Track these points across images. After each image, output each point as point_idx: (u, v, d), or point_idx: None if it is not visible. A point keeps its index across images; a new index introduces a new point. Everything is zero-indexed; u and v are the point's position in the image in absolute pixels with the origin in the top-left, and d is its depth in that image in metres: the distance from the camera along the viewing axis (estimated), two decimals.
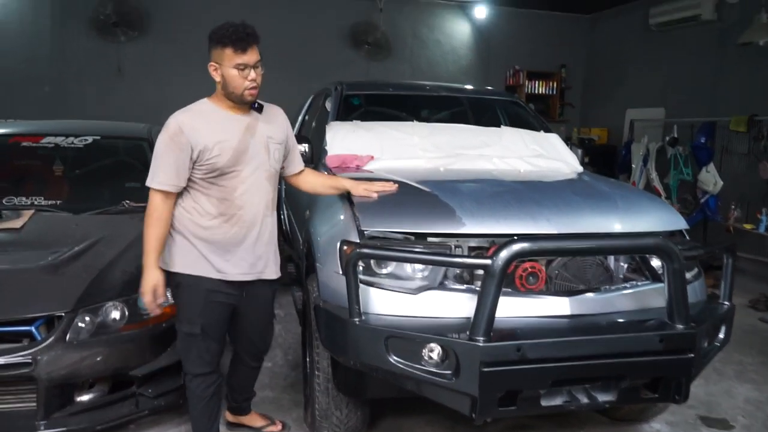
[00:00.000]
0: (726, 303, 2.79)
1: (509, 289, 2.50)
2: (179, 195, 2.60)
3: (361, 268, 2.47)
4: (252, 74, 2.48)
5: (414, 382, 2.40)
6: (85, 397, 2.86)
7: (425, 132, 3.79)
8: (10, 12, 7.26)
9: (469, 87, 5.09)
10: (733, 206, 6.23)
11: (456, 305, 2.48)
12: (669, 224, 2.89)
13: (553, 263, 2.61)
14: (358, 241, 2.59)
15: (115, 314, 2.91)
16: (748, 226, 5.99)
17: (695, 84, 7.20)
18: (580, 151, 4.13)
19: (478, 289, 2.50)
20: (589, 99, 9.30)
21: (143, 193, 4.07)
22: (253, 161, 2.60)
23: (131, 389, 2.95)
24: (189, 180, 2.56)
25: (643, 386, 2.55)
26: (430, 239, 2.59)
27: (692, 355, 2.42)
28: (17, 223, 3.36)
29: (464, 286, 2.55)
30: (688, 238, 2.96)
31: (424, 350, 2.34)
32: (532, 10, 8.75)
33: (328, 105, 4.44)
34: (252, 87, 2.50)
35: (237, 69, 2.45)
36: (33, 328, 2.72)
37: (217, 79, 2.52)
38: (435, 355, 2.33)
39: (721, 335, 2.75)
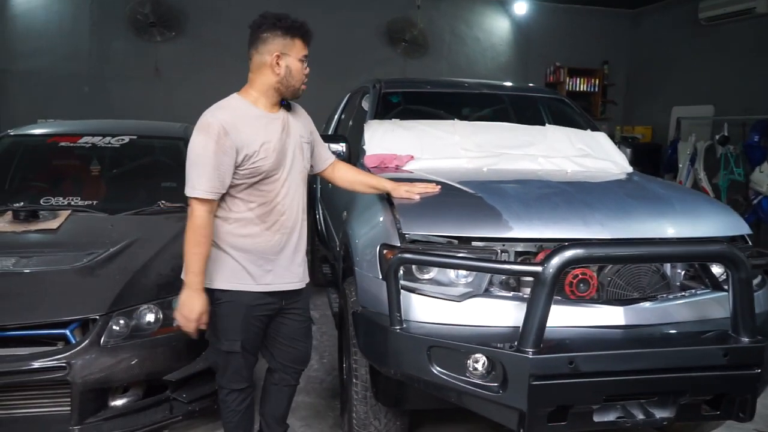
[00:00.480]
0: None
1: (559, 297, 2.35)
2: (219, 210, 2.40)
3: (401, 273, 2.35)
4: (308, 69, 2.44)
5: (457, 393, 2.28)
6: (119, 402, 2.80)
7: (467, 131, 3.65)
8: (50, 12, 7.36)
9: (511, 84, 4.93)
10: None
11: (502, 313, 2.35)
12: (730, 229, 2.70)
13: (605, 269, 2.45)
14: (399, 245, 2.48)
15: (150, 317, 2.86)
16: None
17: (747, 80, 6.89)
18: (629, 151, 3.94)
19: (526, 296, 2.38)
20: (632, 96, 9.02)
21: (179, 193, 4.05)
22: (291, 163, 2.46)
23: (165, 394, 2.89)
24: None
25: (704, 402, 2.38)
26: (474, 243, 2.46)
27: (759, 370, 2.25)
28: (54, 224, 3.34)
29: (511, 293, 2.42)
30: (750, 243, 2.77)
31: (468, 361, 2.21)
32: (573, 6, 8.51)
33: (365, 103, 4.33)
34: (306, 81, 2.44)
35: (301, 61, 2.38)
36: (68, 332, 2.67)
37: (278, 71, 2.35)
38: (480, 367, 2.21)
39: None
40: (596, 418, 2.26)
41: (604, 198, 2.73)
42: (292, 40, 2.35)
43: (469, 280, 2.43)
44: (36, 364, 2.58)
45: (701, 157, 7.01)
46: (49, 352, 2.62)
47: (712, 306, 2.49)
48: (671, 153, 7.49)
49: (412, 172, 3.27)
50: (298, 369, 2.77)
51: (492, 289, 2.43)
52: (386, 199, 2.77)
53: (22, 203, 3.61)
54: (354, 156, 3.55)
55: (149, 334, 2.82)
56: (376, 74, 5.43)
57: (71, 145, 4.13)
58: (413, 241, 2.49)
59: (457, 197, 2.72)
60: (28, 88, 7.42)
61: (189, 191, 2.29)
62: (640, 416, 2.30)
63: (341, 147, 3.46)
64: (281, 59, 2.34)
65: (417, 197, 2.68)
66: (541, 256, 2.44)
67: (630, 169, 3.66)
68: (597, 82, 8.81)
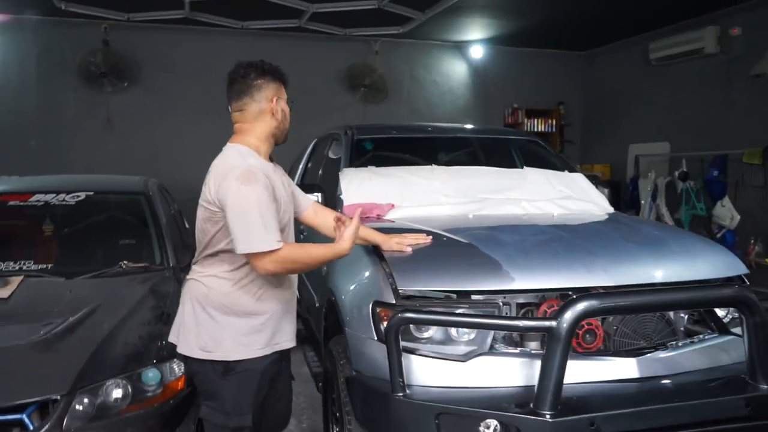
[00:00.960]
0: None
1: None
2: (222, 269, 2.23)
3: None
4: None
5: None
6: None
7: (446, 176, 3.54)
8: None
9: (485, 127, 4.89)
10: (752, 241, 6.03)
11: (511, 372, 2.19)
12: (729, 269, 2.63)
13: (610, 318, 2.33)
14: (393, 302, 2.31)
15: (118, 393, 2.56)
16: None
17: (701, 117, 7.07)
18: (606, 191, 3.89)
19: (534, 351, 2.24)
20: (589, 135, 9.17)
21: (141, 253, 3.87)
22: (290, 213, 2.38)
23: None
24: None
25: None
26: (474, 297, 2.31)
27: None
28: (4, 292, 3.03)
29: (518, 350, 2.27)
30: (748, 283, 2.70)
31: (480, 427, 2.03)
32: (527, 49, 8.66)
33: (334, 151, 4.20)
34: None
35: (288, 105, 2.38)
36: (24, 416, 2.36)
37: (278, 116, 2.31)
38: None
39: None
40: None
41: (603, 242, 2.63)
42: (280, 84, 2.35)
43: (471, 337, 2.28)
44: None
45: (662, 193, 7.10)
46: None
47: (722, 351, 2.40)
48: (632, 190, 7.58)
49: (393, 222, 3.13)
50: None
51: (497, 345, 2.27)
52: (373, 251, 2.61)
53: None
54: (330, 206, 3.37)
55: (118, 412, 2.52)
56: (337, 120, 5.31)
57: (21, 203, 3.82)
58: (407, 297, 2.32)
59: (451, 248, 2.58)
60: None
61: (261, 245, 2.07)
62: None
63: (317, 197, 3.28)
64: (277, 104, 2.31)
65: (409, 249, 2.52)
66: (544, 307, 2.32)
67: (611, 209, 3.60)
68: (554, 122, 8.93)
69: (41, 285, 3.23)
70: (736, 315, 2.52)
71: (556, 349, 1.95)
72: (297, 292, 2.49)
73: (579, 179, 3.80)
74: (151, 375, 2.66)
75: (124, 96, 7.40)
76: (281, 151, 2.55)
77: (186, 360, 2.33)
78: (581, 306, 1.97)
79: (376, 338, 2.32)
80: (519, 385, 2.16)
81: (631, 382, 2.21)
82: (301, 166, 5.24)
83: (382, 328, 2.33)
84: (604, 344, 2.34)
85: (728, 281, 2.62)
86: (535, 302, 2.36)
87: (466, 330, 2.26)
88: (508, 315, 2.30)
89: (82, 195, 3.90)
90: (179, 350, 2.30)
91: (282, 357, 2.41)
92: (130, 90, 7.42)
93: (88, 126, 7.30)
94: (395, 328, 2.06)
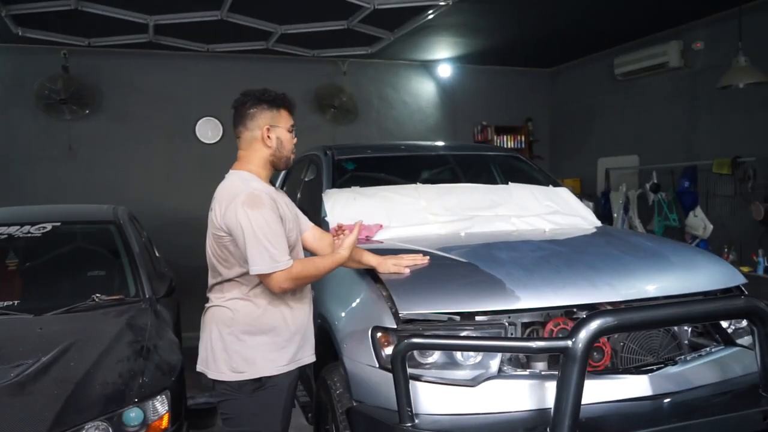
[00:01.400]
0: None
1: None
2: (242, 291, 2.29)
3: None
4: (295, 138, 2.46)
5: None
6: None
7: (431, 194, 3.46)
8: None
9: (465, 144, 4.84)
10: (726, 249, 6.08)
11: (522, 395, 2.09)
12: (728, 280, 2.61)
13: (616, 334, 2.26)
14: (395, 327, 2.20)
15: None
16: (745, 269, 5.81)
17: (668, 129, 7.16)
18: (591, 204, 3.87)
19: (544, 373, 2.15)
20: (557, 151, 9.23)
21: (114, 284, 3.68)
22: (296, 232, 2.43)
23: None
24: None
25: None
26: (478, 318, 2.21)
27: None
28: None
29: (527, 371, 2.17)
30: (747, 293, 2.67)
31: None
32: (493, 67, 8.70)
33: (312, 172, 4.09)
34: (294, 150, 2.46)
35: (290, 131, 2.40)
36: None
37: (270, 144, 2.35)
38: None
39: None
40: None
41: (602, 257, 2.58)
42: (278, 111, 2.38)
43: (477, 360, 2.18)
44: None
45: (634, 206, 7.15)
46: None
47: (730, 364, 2.35)
48: (604, 203, 7.61)
49: (382, 242, 3.03)
50: None
51: (504, 368, 2.18)
52: (369, 274, 2.50)
53: None
54: None
55: None
56: (306, 142, 5.19)
57: None
58: (407, 321, 2.22)
59: (450, 268, 2.49)
60: None
61: (273, 266, 2.15)
62: None
63: None
64: (271, 131, 2.35)
65: (407, 271, 2.42)
66: (550, 326, 2.23)
67: (598, 222, 3.57)
68: (523, 138, 8.97)
69: (8, 324, 3.04)
70: (741, 326, 2.49)
71: (573, 370, 1.86)
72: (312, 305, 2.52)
73: (564, 193, 3.77)
74: (133, 415, 2.50)
75: (87, 123, 7.15)
76: None
77: (215, 385, 2.32)
78: (596, 324, 1.89)
79: (377, 365, 2.20)
80: (531, 409, 2.06)
81: (648, 399, 2.14)
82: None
83: (383, 354, 2.23)
84: (612, 362, 2.27)
85: (726, 292, 2.59)
86: (540, 321, 2.28)
87: (472, 353, 2.16)
88: (513, 335, 2.21)
89: (49, 226, 3.71)
90: (210, 376, 2.30)
91: (302, 371, 2.51)
92: (92, 116, 7.18)
93: (49, 155, 7.02)
94: (402, 354, 1.94)
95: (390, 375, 2.00)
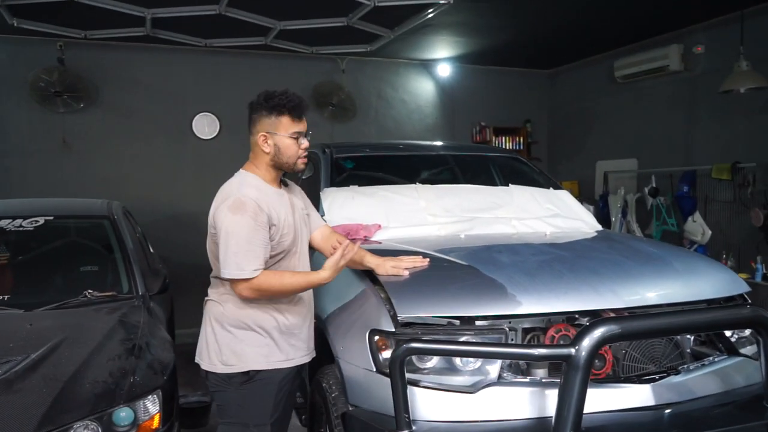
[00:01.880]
0: None
1: None
2: (228, 288, 2.34)
3: None
4: (305, 142, 2.40)
5: None
6: None
7: (431, 195, 3.41)
8: None
9: (466, 144, 4.80)
10: (724, 256, 6.05)
11: (522, 402, 2.04)
12: (732, 288, 2.56)
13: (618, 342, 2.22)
14: (393, 330, 2.15)
15: None
16: (743, 276, 5.79)
17: (668, 133, 7.13)
18: (591, 208, 3.83)
19: (544, 380, 2.10)
20: (555, 153, 9.19)
21: (107, 281, 3.61)
22: (301, 236, 2.46)
23: None
24: None
25: None
26: (478, 323, 2.17)
27: None
28: None
29: (528, 378, 2.13)
30: (750, 301, 2.63)
31: None
32: (493, 67, 8.65)
33: (310, 170, 4.04)
34: (305, 155, 2.43)
35: (292, 138, 2.35)
36: None
37: (267, 150, 2.35)
38: None
39: None
40: None
41: (605, 262, 2.53)
42: (277, 118, 2.34)
43: (477, 366, 2.13)
44: None
45: (633, 210, 7.11)
46: None
47: (733, 374, 2.31)
48: (602, 206, 7.57)
49: (380, 243, 2.98)
50: None
51: (504, 374, 2.13)
52: (367, 276, 2.45)
53: None
54: None
55: None
56: None
57: None
58: (405, 324, 2.17)
59: (450, 270, 2.44)
60: None
61: (235, 273, 2.21)
62: None
63: None
64: (268, 139, 2.34)
65: (406, 273, 2.37)
66: (551, 332, 2.19)
67: (599, 226, 3.53)
68: (521, 140, 8.93)
69: None
70: (744, 335, 2.45)
71: (576, 379, 1.82)
72: (313, 306, 2.54)
73: (564, 196, 3.72)
74: (123, 415, 2.44)
75: (81, 116, 7.07)
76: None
77: (207, 376, 2.39)
78: (600, 331, 1.84)
79: (374, 369, 2.16)
80: (531, 417, 2.02)
81: (651, 409, 2.09)
82: None
83: (381, 358, 2.18)
84: (613, 370, 2.22)
85: (730, 300, 2.55)
86: (541, 327, 2.23)
87: (471, 359, 2.11)
88: (514, 341, 2.17)
89: (41, 220, 3.64)
90: (203, 367, 2.38)
91: (301, 371, 2.50)
92: (87, 110, 7.09)
93: (43, 148, 6.94)
94: (400, 359, 1.89)
95: (387, 379, 1.96)
